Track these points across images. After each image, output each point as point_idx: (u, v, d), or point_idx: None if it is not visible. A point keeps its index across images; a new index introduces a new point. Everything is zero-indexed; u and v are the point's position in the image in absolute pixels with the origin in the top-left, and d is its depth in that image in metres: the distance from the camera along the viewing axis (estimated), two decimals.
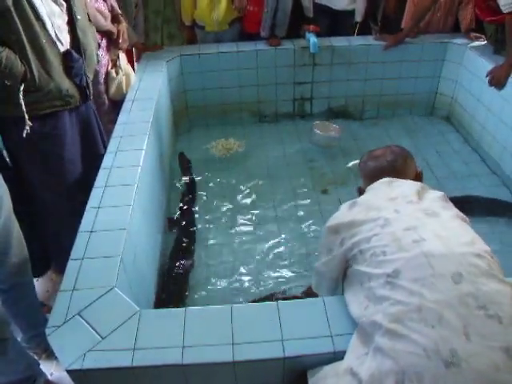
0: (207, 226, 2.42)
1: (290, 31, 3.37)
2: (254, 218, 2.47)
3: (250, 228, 2.40)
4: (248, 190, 2.67)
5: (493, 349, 0.89)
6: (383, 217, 1.16)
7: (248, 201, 2.60)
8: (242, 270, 2.15)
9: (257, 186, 2.70)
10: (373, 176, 1.38)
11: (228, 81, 3.13)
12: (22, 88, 1.65)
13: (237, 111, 3.28)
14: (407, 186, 1.27)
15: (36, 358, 1.86)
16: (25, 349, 1.76)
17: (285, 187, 2.68)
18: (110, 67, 2.51)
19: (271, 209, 2.52)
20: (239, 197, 2.63)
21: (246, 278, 2.10)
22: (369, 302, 1.08)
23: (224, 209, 2.54)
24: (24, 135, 1.72)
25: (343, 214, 1.29)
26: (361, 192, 1.45)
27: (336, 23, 3.26)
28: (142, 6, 3.18)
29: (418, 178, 1.42)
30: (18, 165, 1.87)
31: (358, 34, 3.47)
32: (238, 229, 2.40)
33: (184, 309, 1.27)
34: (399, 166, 1.38)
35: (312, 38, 2.98)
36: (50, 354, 1.90)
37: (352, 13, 3.19)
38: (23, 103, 1.67)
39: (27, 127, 1.72)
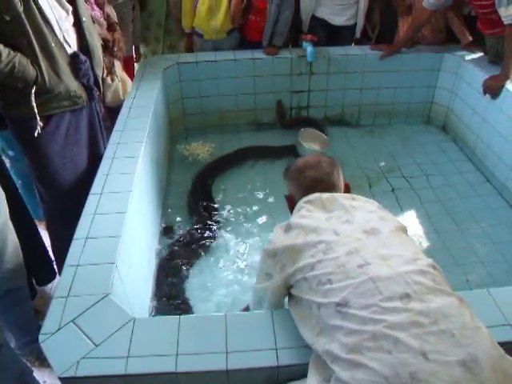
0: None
1: (290, 42, 3.41)
2: (252, 225, 2.46)
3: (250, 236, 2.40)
4: (246, 198, 2.68)
5: (450, 364, 0.89)
6: (324, 240, 1.15)
7: (246, 207, 2.59)
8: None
9: (255, 195, 2.70)
10: (309, 188, 1.36)
11: (225, 89, 3.15)
12: (33, 90, 1.71)
13: (234, 119, 3.29)
14: (340, 202, 1.26)
15: (29, 365, 1.85)
16: (18, 356, 1.75)
17: (281, 196, 2.66)
18: (105, 74, 2.52)
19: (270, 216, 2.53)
20: (237, 202, 2.63)
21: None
22: (320, 330, 1.07)
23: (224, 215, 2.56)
24: (35, 135, 1.78)
25: (280, 238, 1.26)
26: (291, 201, 1.43)
27: (335, 38, 3.27)
28: (147, 16, 3.23)
29: (346, 189, 1.44)
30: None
31: (355, 44, 3.49)
32: (236, 234, 2.40)
33: (178, 317, 1.27)
34: (334, 179, 1.39)
35: (309, 47, 3.00)
36: (43, 362, 1.89)
37: (350, 28, 3.21)
38: (35, 105, 1.72)
39: (38, 127, 1.78)
